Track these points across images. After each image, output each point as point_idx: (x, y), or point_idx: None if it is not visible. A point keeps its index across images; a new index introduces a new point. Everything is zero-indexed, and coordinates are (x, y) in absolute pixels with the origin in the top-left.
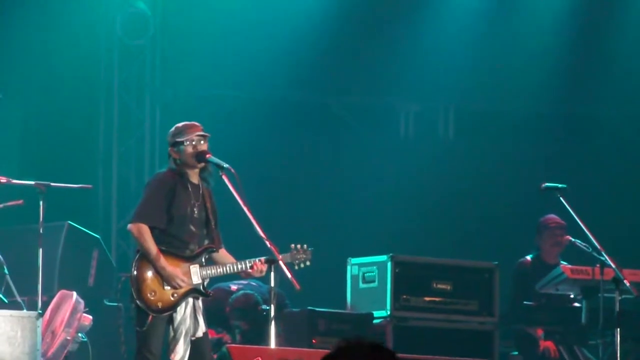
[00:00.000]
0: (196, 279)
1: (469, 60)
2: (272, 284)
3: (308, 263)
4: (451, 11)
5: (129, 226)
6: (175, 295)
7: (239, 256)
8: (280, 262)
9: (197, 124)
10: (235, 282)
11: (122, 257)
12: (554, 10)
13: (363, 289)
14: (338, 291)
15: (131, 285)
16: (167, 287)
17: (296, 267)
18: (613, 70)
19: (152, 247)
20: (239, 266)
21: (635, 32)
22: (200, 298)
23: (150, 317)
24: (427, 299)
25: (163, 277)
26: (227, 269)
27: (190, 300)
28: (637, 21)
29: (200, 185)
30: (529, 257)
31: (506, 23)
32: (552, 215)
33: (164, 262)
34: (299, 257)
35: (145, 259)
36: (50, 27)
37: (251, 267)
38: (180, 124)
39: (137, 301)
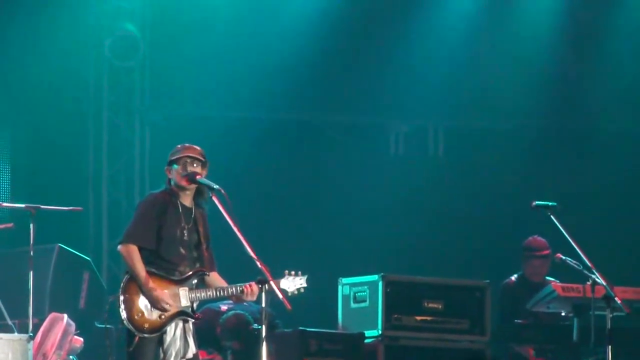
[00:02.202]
0: (185, 302)
1: (458, 79)
2: (264, 304)
3: (302, 290)
4: (439, 30)
5: (119, 247)
6: (163, 317)
7: (230, 276)
8: (272, 283)
9: (194, 146)
10: (225, 302)
11: (113, 279)
12: (545, 26)
13: (354, 308)
14: (329, 311)
15: (118, 306)
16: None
17: (290, 294)
18: (603, 86)
19: (140, 269)
20: (230, 290)
21: (626, 46)
22: (190, 321)
23: (137, 337)
24: (418, 318)
25: (149, 300)
26: (217, 292)
27: (180, 322)
28: (629, 35)
29: (194, 209)
30: (513, 277)
31: (495, 40)
32: (536, 241)
33: (151, 284)
34: (293, 283)
35: (133, 280)
36: (39, 49)
37: (242, 292)
38: (180, 145)
39: (125, 322)
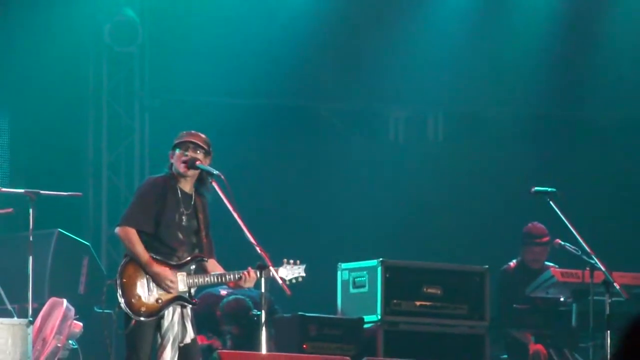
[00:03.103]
0: (182, 287)
1: (458, 64)
2: (263, 290)
3: (300, 279)
4: (438, 15)
5: (116, 229)
6: (160, 300)
7: (230, 263)
8: (271, 268)
9: (201, 134)
10: (225, 287)
11: (113, 264)
12: (543, 14)
13: (353, 293)
14: (329, 296)
15: (116, 289)
16: (153, 293)
17: (288, 283)
18: (602, 74)
19: (140, 250)
20: (228, 277)
21: (624, 36)
22: (188, 307)
23: (134, 321)
24: (417, 303)
25: (152, 277)
26: (215, 278)
27: (178, 307)
28: (626, 25)
29: (194, 195)
30: (512, 263)
31: (494, 27)
32: (536, 228)
33: (151, 260)
34: (291, 271)
35: (131, 263)
36: (38, 35)
37: (239, 278)
38: (186, 131)
39: (121, 305)
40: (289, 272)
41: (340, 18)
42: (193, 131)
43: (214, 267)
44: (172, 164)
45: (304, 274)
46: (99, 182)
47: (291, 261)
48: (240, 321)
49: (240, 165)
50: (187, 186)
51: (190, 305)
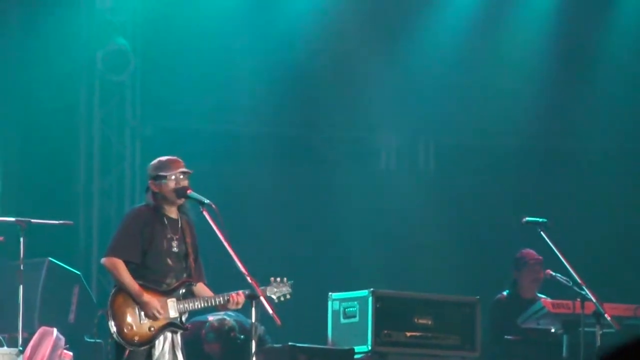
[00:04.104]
0: (173, 313)
1: (448, 94)
2: (254, 319)
3: (288, 296)
4: (429, 45)
5: (102, 260)
6: (153, 328)
7: (220, 291)
8: (262, 298)
9: (179, 159)
10: (213, 314)
11: (103, 293)
12: (533, 45)
13: (344, 324)
14: (319, 326)
15: (107, 319)
16: (144, 321)
17: (276, 301)
18: (594, 106)
19: (128, 279)
20: (217, 300)
21: (616, 68)
22: (179, 333)
23: (127, 351)
24: (408, 333)
25: (140, 306)
26: (205, 302)
27: (169, 335)
28: (619, 56)
29: (180, 219)
30: (504, 293)
31: (485, 57)
32: (530, 251)
33: (140, 290)
34: (279, 290)
35: (121, 292)
36: (30, 63)
37: (228, 301)
38: (163, 158)
39: (114, 335)
40: (277, 290)
41: (332, 48)
42: (170, 158)
43: (203, 291)
44: (154, 193)
45: (290, 291)
46: (90, 209)
47: (278, 279)
48: (222, 339)
49: (230, 192)
50: (173, 212)
51: (181, 332)
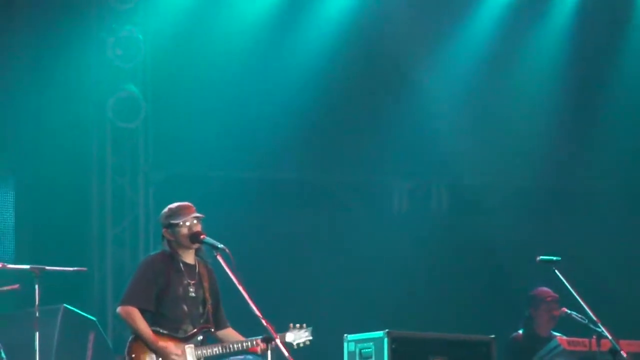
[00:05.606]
0: (191, 359)
1: (460, 137)
2: None
3: (308, 343)
4: (440, 87)
5: (118, 309)
6: None
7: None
8: (277, 341)
9: (190, 205)
10: (231, 358)
11: (119, 339)
12: (544, 86)
13: None
14: None
15: None
16: None
17: (295, 347)
18: (605, 145)
19: (143, 327)
20: (236, 345)
21: (625, 107)
22: None
23: None
24: None
25: (157, 353)
26: (224, 349)
27: None
28: (627, 95)
29: (197, 265)
30: (520, 332)
31: (498, 100)
32: (546, 289)
33: (154, 337)
34: (297, 336)
35: (137, 340)
36: (41, 111)
37: (247, 348)
38: (173, 205)
39: None
40: (296, 336)
41: (342, 91)
42: (181, 204)
43: (230, 335)
44: (169, 241)
45: (310, 337)
46: (103, 256)
47: (297, 325)
48: None
49: (244, 238)
50: (189, 257)
51: None
